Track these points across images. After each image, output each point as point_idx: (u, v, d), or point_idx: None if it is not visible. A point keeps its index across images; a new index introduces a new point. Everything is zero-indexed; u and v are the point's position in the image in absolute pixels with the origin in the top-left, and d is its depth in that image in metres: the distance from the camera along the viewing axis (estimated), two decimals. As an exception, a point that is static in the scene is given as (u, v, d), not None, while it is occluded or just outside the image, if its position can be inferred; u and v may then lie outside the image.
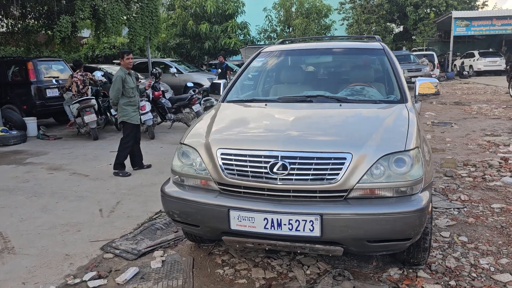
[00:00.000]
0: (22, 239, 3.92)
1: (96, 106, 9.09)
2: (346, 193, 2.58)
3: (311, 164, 2.59)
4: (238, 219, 2.62)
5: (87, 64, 13.81)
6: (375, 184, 2.57)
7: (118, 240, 3.85)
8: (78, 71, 9.36)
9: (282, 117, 3.29)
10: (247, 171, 2.69)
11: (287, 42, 5.02)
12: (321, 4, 18.79)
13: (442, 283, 2.97)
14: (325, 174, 2.57)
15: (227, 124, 3.27)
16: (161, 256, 3.48)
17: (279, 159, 2.63)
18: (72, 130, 9.80)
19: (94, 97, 9.15)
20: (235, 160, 2.74)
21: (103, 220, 4.38)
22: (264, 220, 2.57)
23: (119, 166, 6.06)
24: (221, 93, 4.22)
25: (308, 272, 3.15)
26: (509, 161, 6.25)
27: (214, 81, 4.35)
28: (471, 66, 26.56)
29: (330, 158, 2.59)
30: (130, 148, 6.12)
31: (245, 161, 2.71)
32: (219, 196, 2.76)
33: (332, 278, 3.03)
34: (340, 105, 3.40)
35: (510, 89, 14.70)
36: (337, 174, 2.56)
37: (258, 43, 18.69)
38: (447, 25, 29.11)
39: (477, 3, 32.40)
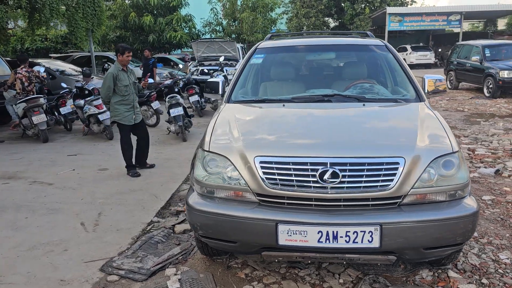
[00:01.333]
0: None
1: (45, 106, 8.27)
2: (400, 200, 2.45)
3: (362, 170, 2.43)
4: (288, 233, 2.40)
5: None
6: (428, 189, 2.47)
7: (117, 258, 3.45)
8: (22, 66, 8.43)
9: (312, 119, 3.08)
10: (292, 180, 2.47)
11: (274, 38, 4.82)
12: (268, -2, 18.75)
13: (475, 282, 2.96)
14: (378, 181, 2.42)
15: (253, 128, 2.99)
16: (175, 274, 3.15)
17: (328, 166, 2.43)
18: (16, 131, 8.85)
19: (42, 96, 8.31)
20: (277, 168, 2.50)
21: (89, 235, 3.92)
22: (318, 233, 2.37)
23: (129, 168, 5.74)
24: (220, 93, 3.93)
25: (341, 281, 3.00)
26: (476, 152, 6.57)
27: (210, 80, 4.03)
28: (404, 60, 28.02)
29: (382, 164, 2.44)
30: (131, 148, 5.72)
31: (289, 169, 2.48)
32: (261, 209, 2.50)
33: (369, 285, 2.91)
34: (364, 104, 3.27)
35: (448, 82, 15.67)
36: (391, 180, 2.42)
37: (210, 37, 18.12)
38: (381, 20, 30.42)
39: (406, 0, 34.18)
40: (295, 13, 32.21)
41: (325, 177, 2.40)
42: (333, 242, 2.36)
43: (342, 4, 33.00)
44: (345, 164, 2.44)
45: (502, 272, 3.09)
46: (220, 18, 20.05)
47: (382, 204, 2.44)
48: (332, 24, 35.64)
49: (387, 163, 2.44)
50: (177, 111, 7.61)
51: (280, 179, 2.49)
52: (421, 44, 30.87)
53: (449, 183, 2.50)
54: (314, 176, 2.43)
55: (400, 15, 28.45)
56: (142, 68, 12.91)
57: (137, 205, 4.62)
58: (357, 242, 2.36)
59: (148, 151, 6.08)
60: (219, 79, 3.98)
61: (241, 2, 19.04)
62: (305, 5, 32.10)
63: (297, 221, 2.39)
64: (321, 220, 2.37)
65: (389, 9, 28.29)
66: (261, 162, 2.53)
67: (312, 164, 2.46)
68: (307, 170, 2.46)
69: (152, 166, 6.00)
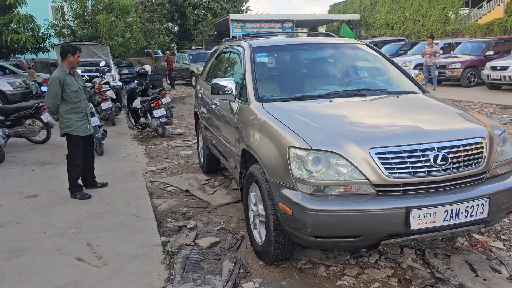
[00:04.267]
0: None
1: None
2: (486, 174, 2.81)
3: (460, 151, 2.70)
4: (419, 217, 2.51)
5: None
6: (499, 162, 2.89)
7: (171, 287, 2.99)
8: None
9: (378, 112, 3.21)
10: (408, 168, 2.59)
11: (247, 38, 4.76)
12: (123, 0, 17.61)
13: (497, 239, 3.55)
14: (472, 159, 2.73)
15: (337, 122, 2.96)
16: (256, 288, 2.93)
17: (436, 150, 2.64)
18: None
19: None
20: (392, 158, 2.59)
21: (104, 270, 3.27)
22: (444, 213, 2.55)
23: (74, 189, 4.82)
24: (234, 93, 3.71)
25: (409, 259, 3.24)
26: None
27: (216, 81, 3.76)
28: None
29: (471, 144, 2.76)
30: (81, 166, 4.83)
31: (403, 157, 2.60)
32: (386, 199, 2.55)
33: (434, 256, 3.22)
34: (397, 96, 3.55)
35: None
36: (481, 157, 2.76)
37: (80, 40, 15.88)
38: (224, 26, 31.72)
39: (242, 8, 36.40)
40: (138, 16, 31.11)
41: (438, 160, 2.60)
42: (456, 218, 2.58)
43: (184, 10, 33.26)
44: (447, 147, 2.67)
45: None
46: (68, 20, 18.07)
47: (476, 180, 2.76)
48: (176, 29, 35.64)
49: (475, 143, 2.77)
50: (94, 121, 6.72)
51: (397, 168, 2.58)
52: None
53: (507, 156, 2.96)
54: (427, 161, 2.61)
55: (242, 21, 30.14)
56: None
57: (125, 229, 4.00)
58: (473, 216, 2.62)
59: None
60: (228, 79, 3.74)
61: (91, 4, 17.50)
62: (147, 9, 31.32)
63: (428, 204, 2.53)
64: (448, 200, 2.56)
65: (232, 16, 29.73)
66: (377, 154, 2.58)
67: (421, 150, 2.63)
68: (418, 156, 2.62)
69: (104, 185, 5.22)
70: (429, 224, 2.55)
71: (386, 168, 2.57)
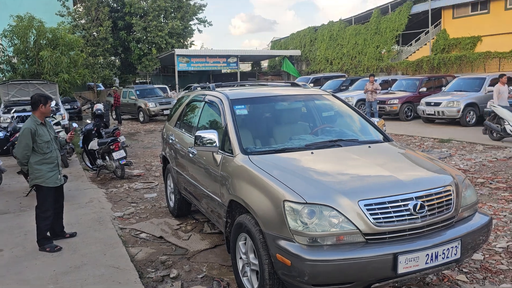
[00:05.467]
0: None
1: None
2: (455, 218, 3.18)
3: (433, 199, 3.06)
4: (405, 262, 2.80)
5: None
6: (464, 207, 3.29)
7: None
8: None
9: (357, 162, 3.50)
10: (392, 217, 2.89)
11: (218, 87, 5.01)
12: (69, 36, 17.25)
13: (459, 272, 3.94)
14: (443, 206, 3.10)
15: (324, 175, 3.22)
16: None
17: (415, 200, 2.97)
18: None
19: None
20: (378, 208, 2.88)
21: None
22: (426, 256, 2.86)
23: (43, 241, 4.64)
24: (217, 145, 3.89)
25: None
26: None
27: (200, 133, 3.93)
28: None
29: (441, 192, 3.13)
30: (51, 217, 4.68)
31: (387, 207, 2.90)
32: (374, 247, 2.82)
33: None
34: (369, 146, 3.90)
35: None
36: (450, 203, 3.14)
37: (24, 79, 15.08)
38: (169, 61, 31.90)
39: (186, 43, 36.84)
40: (80, 50, 30.41)
41: (417, 209, 2.94)
42: (435, 261, 2.91)
43: (127, 44, 33.05)
44: (422, 196, 3.02)
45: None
46: (7, 55, 17.35)
47: (447, 224, 3.12)
48: (119, 62, 35.22)
49: (445, 191, 3.15)
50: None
51: (383, 217, 2.88)
52: (207, 83, 33.66)
53: (469, 201, 3.37)
54: (407, 210, 2.93)
55: (188, 56, 30.52)
56: None
57: (108, 282, 3.95)
58: (449, 257, 2.96)
59: None
60: (211, 132, 3.92)
61: (33, 39, 16.97)
62: (90, 43, 30.77)
63: (412, 249, 2.83)
64: (428, 244, 2.88)
65: (178, 51, 30.01)
66: (365, 205, 2.87)
67: (403, 200, 2.95)
68: (400, 206, 2.94)
69: (73, 235, 5.08)
70: (413, 267, 2.85)
71: (373, 218, 2.86)
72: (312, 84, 22.36)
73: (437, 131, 13.11)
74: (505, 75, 11.80)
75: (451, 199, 3.15)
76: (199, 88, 5.64)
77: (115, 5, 34.30)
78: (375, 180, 3.18)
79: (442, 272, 3.87)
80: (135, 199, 6.98)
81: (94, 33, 30.60)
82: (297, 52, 34.82)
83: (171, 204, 5.94)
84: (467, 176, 6.47)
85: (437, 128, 13.82)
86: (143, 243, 5.07)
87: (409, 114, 16.26)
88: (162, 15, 33.95)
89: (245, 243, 3.47)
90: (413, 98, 16.13)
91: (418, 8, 27.18)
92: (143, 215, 6.11)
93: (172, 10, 34.17)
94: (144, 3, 33.20)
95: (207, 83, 34.28)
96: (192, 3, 35.68)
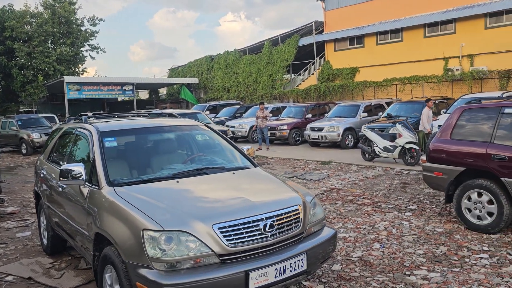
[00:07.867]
0: None
1: None
2: (304, 234, 3.57)
3: (282, 219, 3.41)
4: (256, 278, 3.06)
5: None
6: (312, 223, 3.70)
7: None
8: None
9: (218, 187, 3.72)
10: (244, 237, 3.16)
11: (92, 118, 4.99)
12: None
13: (318, 280, 4.36)
14: (292, 224, 3.46)
15: (184, 202, 3.38)
16: None
17: (265, 220, 3.28)
18: None
19: None
20: (231, 230, 3.13)
21: None
22: (275, 270, 3.16)
23: None
24: (84, 178, 3.88)
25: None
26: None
27: (66, 167, 3.89)
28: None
29: (290, 212, 3.50)
30: None
31: (239, 229, 3.16)
32: (228, 266, 3.04)
33: None
34: (233, 173, 4.18)
35: None
36: (298, 221, 3.51)
37: None
38: (58, 88, 30.06)
39: (78, 70, 35.20)
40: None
41: (267, 228, 3.25)
42: (283, 274, 3.22)
43: (8, 70, 30.57)
44: (272, 217, 3.35)
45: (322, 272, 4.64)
46: None
47: (296, 240, 3.49)
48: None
49: (293, 211, 3.52)
50: None
51: (236, 238, 3.13)
52: (101, 112, 32.35)
53: (317, 217, 3.81)
54: (258, 230, 3.22)
55: (79, 84, 29.08)
56: None
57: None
58: (296, 269, 3.30)
59: None
60: (77, 165, 3.89)
61: None
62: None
63: (261, 266, 3.11)
64: (276, 260, 3.19)
65: (67, 78, 28.46)
66: (219, 228, 3.10)
67: (254, 221, 3.25)
68: (252, 227, 3.22)
69: None
70: (264, 282, 3.13)
71: (227, 240, 3.10)
72: (208, 112, 22.83)
73: (320, 154, 14.20)
74: (430, 99, 11.87)
75: (299, 217, 3.53)
76: (72, 120, 5.53)
77: (-7, 28, 31.72)
78: (230, 203, 3.46)
79: (303, 283, 4.26)
80: (5, 240, 6.45)
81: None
82: (194, 80, 35.23)
83: (45, 241, 5.63)
84: (327, 195, 7.12)
85: (320, 151, 14.96)
86: (8, 286, 4.73)
87: (298, 139, 17.38)
88: (50, 40, 32.17)
89: (110, 275, 3.48)
90: (301, 124, 17.31)
91: (305, 41, 29.40)
92: (11, 257, 5.68)
93: (60, 36, 32.55)
94: (28, 27, 31.17)
95: (101, 111, 33.10)
96: (83, 29, 34.40)
